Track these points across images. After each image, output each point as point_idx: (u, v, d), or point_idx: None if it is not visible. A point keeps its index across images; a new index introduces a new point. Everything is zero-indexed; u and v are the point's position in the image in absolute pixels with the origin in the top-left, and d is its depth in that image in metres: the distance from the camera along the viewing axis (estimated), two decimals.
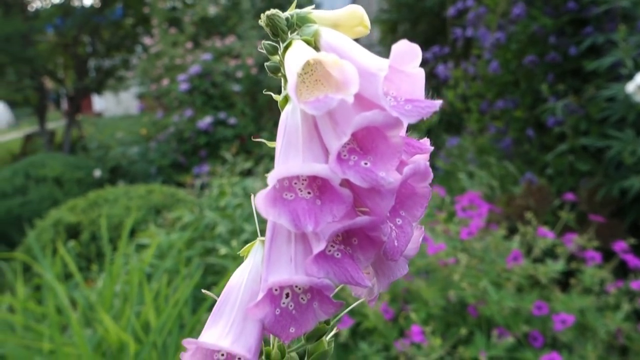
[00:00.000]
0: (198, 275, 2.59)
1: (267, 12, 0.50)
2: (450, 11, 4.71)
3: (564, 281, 2.66)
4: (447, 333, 2.37)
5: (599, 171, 3.36)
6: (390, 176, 0.45)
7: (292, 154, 0.48)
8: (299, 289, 0.51)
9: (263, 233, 0.58)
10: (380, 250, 0.50)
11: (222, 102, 7.82)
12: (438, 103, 0.47)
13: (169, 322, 2.26)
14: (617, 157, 3.07)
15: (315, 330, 0.57)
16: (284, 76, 0.52)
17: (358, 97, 0.45)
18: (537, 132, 3.87)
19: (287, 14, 0.52)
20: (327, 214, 0.46)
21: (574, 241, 2.62)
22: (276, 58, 0.53)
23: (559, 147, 3.48)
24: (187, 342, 0.50)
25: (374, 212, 0.48)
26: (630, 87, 2.80)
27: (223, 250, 3.07)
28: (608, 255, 2.67)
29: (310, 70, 0.48)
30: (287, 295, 0.50)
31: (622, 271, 2.66)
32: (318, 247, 0.46)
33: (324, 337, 0.58)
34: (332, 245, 0.49)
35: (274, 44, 0.52)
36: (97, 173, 7.50)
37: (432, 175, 0.53)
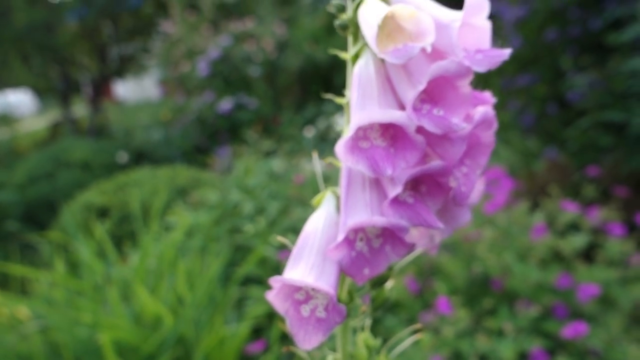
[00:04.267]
0: (229, 252, 2.68)
1: None
2: None
3: (587, 254, 2.68)
4: (471, 305, 2.42)
5: (620, 146, 3.35)
6: (462, 123, 0.49)
7: (368, 104, 0.51)
8: (372, 233, 0.54)
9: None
10: (448, 197, 0.53)
11: (242, 85, 7.90)
12: (507, 52, 0.50)
13: (204, 298, 2.35)
14: (639, 131, 3.06)
15: (378, 277, 0.61)
16: (353, 34, 0.55)
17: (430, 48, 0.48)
18: (558, 108, 3.86)
19: None
20: (401, 160, 0.49)
21: (597, 214, 2.64)
22: (343, 17, 0.55)
23: (580, 122, 3.47)
24: (274, 280, 0.53)
25: (445, 159, 0.51)
26: None
27: (251, 229, 3.15)
28: (630, 229, 2.68)
29: (383, 24, 0.50)
30: (362, 239, 0.54)
31: None
32: (394, 191, 0.50)
33: (385, 284, 0.63)
34: (403, 192, 0.52)
35: (341, 3, 0.56)
36: (123, 157, 7.65)
37: (496, 124, 0.56)
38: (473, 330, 2.29)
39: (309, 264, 0.54)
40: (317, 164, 0.68)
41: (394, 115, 0.49)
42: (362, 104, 0.51)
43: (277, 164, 3.92)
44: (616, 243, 2.48)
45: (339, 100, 0.58)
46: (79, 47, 11.30)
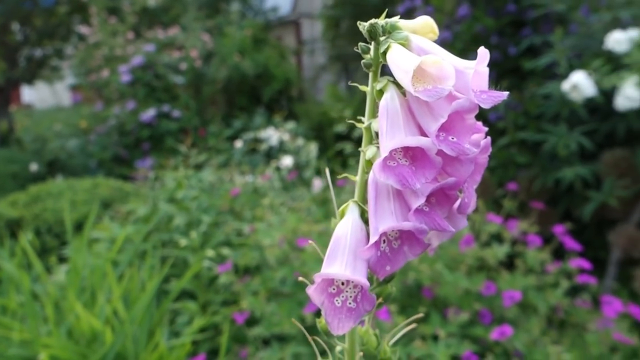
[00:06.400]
0: (166, 267, 2.62)
1: (369, 21, 0.63)
2: (399, 9, 4.91)
3: (509, 263, 2.88)
4: (406, 313, 2.53)
5: (535, 163, 3.64)
6: (472, 147, 0.59)
7: (396, 131, 0.61)
8: (392, 236, 0.64)
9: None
10: (453, 206, 0.64)
11: (166, 94, 7.72)
12: (506, 94, 0.61)
13: (140, 314, 2.28)
14: (552, 150, 3.34)
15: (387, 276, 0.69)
16: (374, 71, 0.65)
17: None
18: None
19: (381, 22, 0.64)
20: (422, 176, 0.59)
21: (517, 226, 2.85)
22: (367, 57, 0.65)
23: (499, 141, 3.73)
24: (317, 275, 0.61)
25: (454, 177, 0.62)
26: (565, 85, 3.05)
27: (183, 242, 3.10)
28: (545, 239, 2.92)
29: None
30: (384, 241, 0.63)
31: (560, 253, 2.91)
32: (418, 202, 0.60)
33: (389, 283, 0.72)
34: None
35: (367, 45, 0.65)
36: (34, 167, 7.22)
37: (491, 149, 0.67)
38: (409, 336, 2.39)
39: (343, 262, 0.63)
40: (328, 177, 0.74)
41: (422, 141, 0.59)
42: (392, 131, 0.61)
43: (208, 176, 3.88)
44: (534, 253, 2.69)
45: (359, 124, 0.66)
46: None
